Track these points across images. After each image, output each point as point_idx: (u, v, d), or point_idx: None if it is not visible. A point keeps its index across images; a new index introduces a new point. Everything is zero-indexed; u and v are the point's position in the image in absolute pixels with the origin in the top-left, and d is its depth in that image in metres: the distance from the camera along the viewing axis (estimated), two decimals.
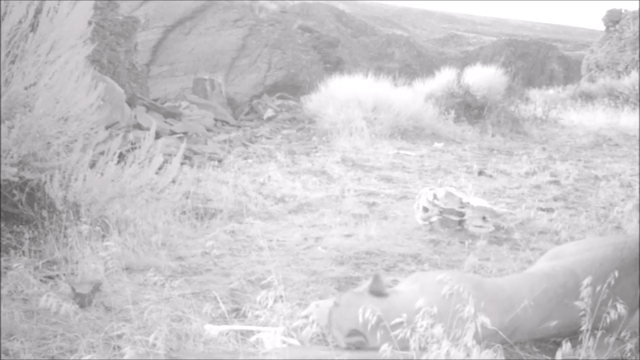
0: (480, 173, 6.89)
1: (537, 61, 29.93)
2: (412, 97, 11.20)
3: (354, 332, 2.11)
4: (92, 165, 3.71)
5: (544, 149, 9.31)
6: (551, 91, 20.24)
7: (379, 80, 11.75)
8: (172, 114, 10.53)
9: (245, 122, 12.62)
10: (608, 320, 2.10)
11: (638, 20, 19.59)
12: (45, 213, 3.44)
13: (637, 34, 19.43)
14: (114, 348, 2.26)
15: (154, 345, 2.02)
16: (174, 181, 4.10)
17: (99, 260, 2.88)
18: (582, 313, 2.10)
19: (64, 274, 3.05)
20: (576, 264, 2.41)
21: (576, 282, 2.25)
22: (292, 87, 17.76)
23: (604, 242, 2.60)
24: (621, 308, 2.07)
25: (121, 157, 3.81)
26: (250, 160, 7.43)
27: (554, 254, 2.69)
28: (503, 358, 1.95)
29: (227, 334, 2.39)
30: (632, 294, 2.34)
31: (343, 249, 3.82)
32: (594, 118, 13.42)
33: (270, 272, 2.69)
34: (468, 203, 4.36)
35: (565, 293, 2.30)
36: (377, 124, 9.92)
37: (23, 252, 3.18)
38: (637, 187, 5.98)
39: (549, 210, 4.97)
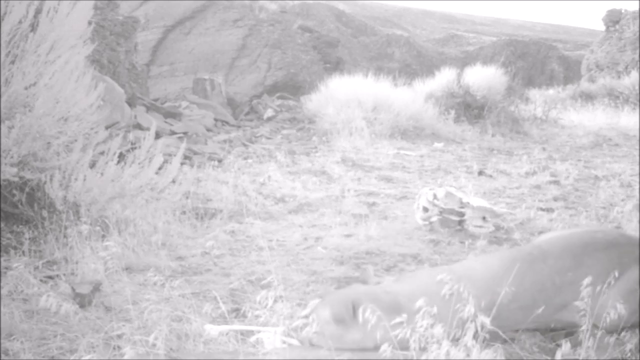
0: (480, 173, 6.89)
1: (537, 61, 29.94)
2: (412, 97, 11.18)
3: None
4: (92, 165, 3.71)
5: (544, 149, 9.31)
6: (551, 91, 20.23)
7: (379, 80, 11.73)
8: (172, 114, 10.53)
9: (245, 122, 12.61)
10: (608, 320, 2.11)
11: (638, 20, 19.58)
12: (45, 213, 3.43)
13: (637, 34, 19.43)
14: (114, 348, 2.26)
15: (154, 345, 2.02)
16: (174, 181, 4.10)
17: (99, 260, 2.88)
18: (582, 313, 2.11)
19: (64, 274, 3.05)
20: (544, 242, 2.59)
21: (542, 253, 2.41)
22: (292, 87, 17.75)
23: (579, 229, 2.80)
24: (621, 308, 2.07)
25: (121, 157, 3.81)
26: (250, 160, 7.42)
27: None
28: (503, 358, 1.95)
29: (227, 334, 2.39)
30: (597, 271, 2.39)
31: (343, 249, 3.82)
32: (594, 118, 13.41)
33: (270, 272, 2.69)
34: (468, 203, 4.36)
35: (533, 259, 2.41)
36: (377, 124, 9.91)
37: (23, 252, 3.18)
38: (637, 187, 5.98)
39: (549, 210, 4.97)
